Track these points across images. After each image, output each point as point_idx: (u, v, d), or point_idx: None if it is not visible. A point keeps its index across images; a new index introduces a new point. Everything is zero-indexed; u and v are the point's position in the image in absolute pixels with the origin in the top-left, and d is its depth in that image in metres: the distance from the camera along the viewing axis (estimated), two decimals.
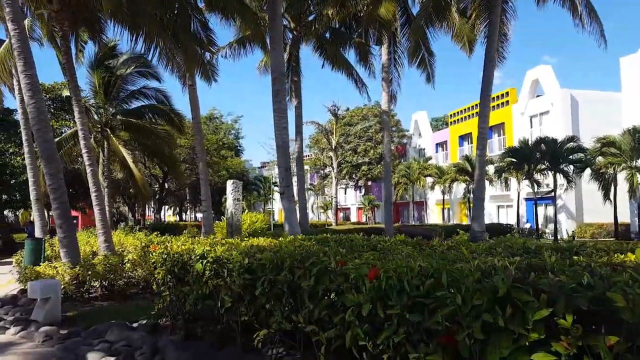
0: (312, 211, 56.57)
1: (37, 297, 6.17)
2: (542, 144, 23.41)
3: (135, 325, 6.06)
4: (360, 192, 49.47)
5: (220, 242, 5.41)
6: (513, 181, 29.41)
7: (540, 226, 30.39)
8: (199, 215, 72.33)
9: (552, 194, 24.79)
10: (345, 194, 53.08)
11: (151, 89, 21.33)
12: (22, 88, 7.99)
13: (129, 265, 8.73)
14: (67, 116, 27.35)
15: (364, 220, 49.22)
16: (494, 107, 36.22)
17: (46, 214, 22.25)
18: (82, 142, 11.95)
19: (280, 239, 6.67)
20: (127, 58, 20.55)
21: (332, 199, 36.93)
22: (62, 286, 7.73)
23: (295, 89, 20.12)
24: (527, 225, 30.57)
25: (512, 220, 31.71)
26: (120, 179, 30.09)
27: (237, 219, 19.03)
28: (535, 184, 26.98)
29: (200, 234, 19.07)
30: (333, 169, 34.98)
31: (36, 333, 5.72)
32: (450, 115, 41.76)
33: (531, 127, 32.42)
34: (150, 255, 5.44)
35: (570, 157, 23.22)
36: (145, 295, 8.31)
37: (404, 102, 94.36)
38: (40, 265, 8.75)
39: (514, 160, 23.92)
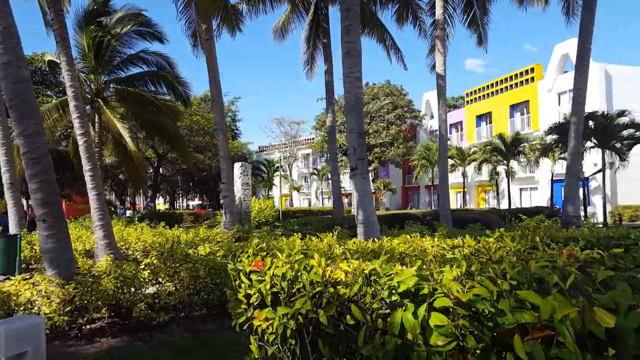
0: (316, 197, 53.86)
1: (1, 356, 3.23)
2: (591, 120, 20.90)
3: None
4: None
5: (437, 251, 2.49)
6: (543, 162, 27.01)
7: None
8: (191, 204, 69.04)
9: (596, 174, 22.50)
10: (350, 178, 50.45)
11: (151, 53, 17.98)
12: None
13: (147, 274, 5.79)
14: (48, 92, 23.78)
15: None
16: (516, 84, 33.70)
17: (25, 202, 18.95)
18: (72, 104, 8.84)
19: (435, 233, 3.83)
20: (122, 15, 17.18)
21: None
22: (49, 316, 4.79)
23: (325, 53, 17.05)
24: (556, 208, 28.48)
25: (536, 204, 29.51)
26: (108, 164, 26.65)
27: (246, 206, 16.09)
28: None
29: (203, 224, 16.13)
30: None
31: None
32: (467, 94, 39.04)
33: (559, 104, 29.94)
34: (245, 281, 2.52)
35: (621, 133, 20.87)
36: (179, 324, 5.40)
37: (415, 82, 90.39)
38: (10, 279, 5.77)
39: (556, 137, 21.43)
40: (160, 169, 37.19)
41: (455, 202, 38.71)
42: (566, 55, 29.34)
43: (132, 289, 5.32)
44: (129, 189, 47.31)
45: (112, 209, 41.66)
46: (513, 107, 33.59)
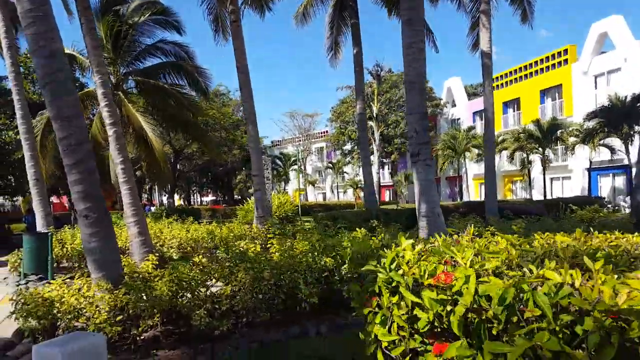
0: (331, 191, 53.09)
1: None
2: None
3: None
4: (383, 169, 45.79)
5: None
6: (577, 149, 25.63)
7: (607, 199, 26.91)
8: (205, 199, 68.87)
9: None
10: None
11: (169, 43, 17.31)
12: None
13: (199, 274, 5.08)
14: None
15: (386, 199, 45.80)
16: (548, 67, 32.17)
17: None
18: (99, 91, 8.20)
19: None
20: (139, 3, 16.51)
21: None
22: (99, 326, 4.11)
23: (354, 35, 16.11)
24: (599, 198, 27.13)
25: (568, 194, 28.22)
26: (132, 158, 26.25)
27: (267, 200, 15.56)
28: (611, 151, 23.42)
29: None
30: (374, 140, 30.95)
31: None
32: (492, 79, 37.57)
33: (596, 88, 28.39)
34: (411, 298, 1.71)
35: None
36: (242, 333, 4.68)
37: (434, 69, 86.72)
38: (44, 280, 5.15)
39: (602, 121, 20.10)
40: (178, 165, 36.81)
41: (478, 193, 37.54)
42: (604, 35, 27.70)
43: (189, 293, 4.63)
44: (145, 186, 47.15)
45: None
46: (544, 92, 32.10)
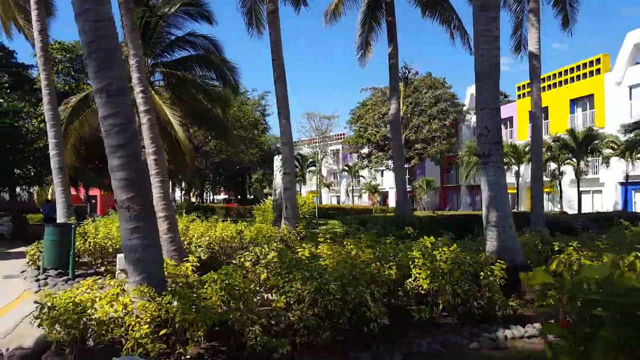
0: (346, 194, 52.33)
1: None
2: None
3: None
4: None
5: None
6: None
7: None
8: (217, 197, 68.62)
9: None
10: (382, 176, 48.70)
11: (199, 36, 16.83)
12: None
13: (251, 282, 4.36)
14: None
15: None
16: (578, 76, 31.01)
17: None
18: (134, 76, 7.63)
19: None
20: None
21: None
22: (140, 341, 3.42)
23: (390, 33, 15.40)
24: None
25: (598, 209, 26.94)
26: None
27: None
28: None
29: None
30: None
31: None
32: (518, 87, 36.51)
33: (630, 99, 27.14)
34: None
35: None
36: (301, 355, 3.95)
37: (455, 74, 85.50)
38: (73, 280, 4.53)
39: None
40: (195, 161, 36.46)
41: None
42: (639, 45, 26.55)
43: (241, 305, 3.93)
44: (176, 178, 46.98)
45: None
46: (574, 102, 30.95)
